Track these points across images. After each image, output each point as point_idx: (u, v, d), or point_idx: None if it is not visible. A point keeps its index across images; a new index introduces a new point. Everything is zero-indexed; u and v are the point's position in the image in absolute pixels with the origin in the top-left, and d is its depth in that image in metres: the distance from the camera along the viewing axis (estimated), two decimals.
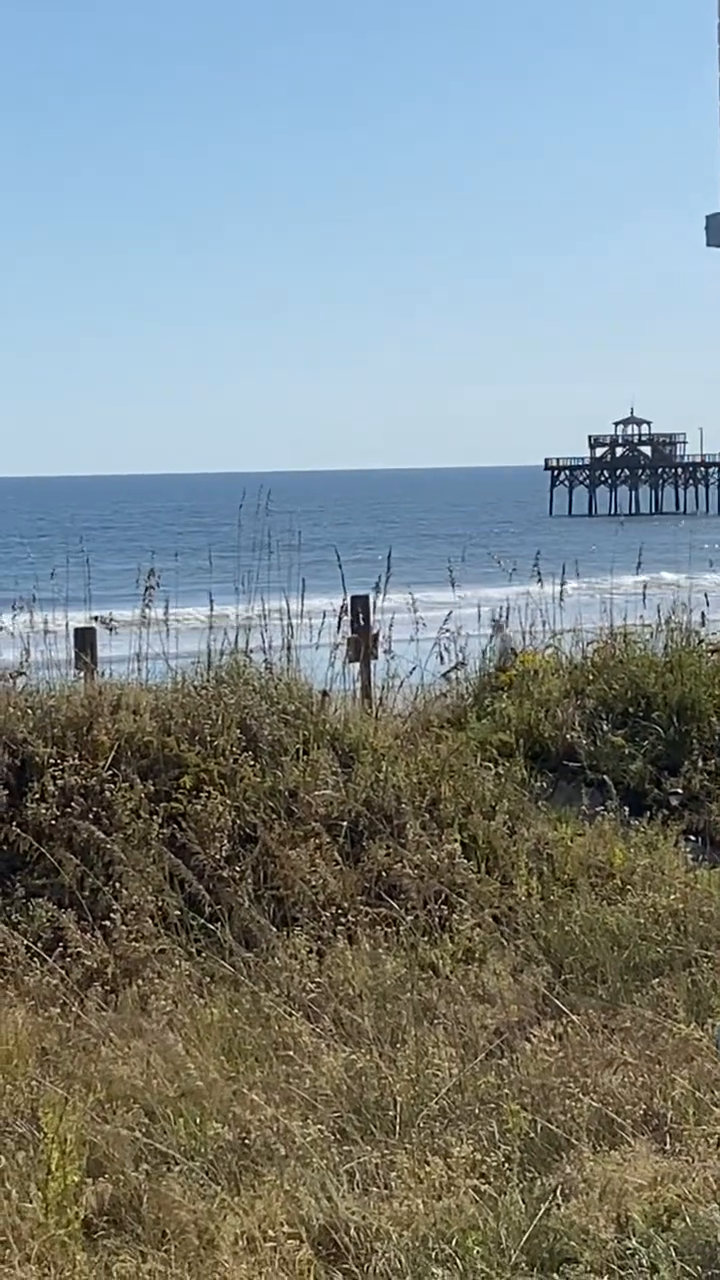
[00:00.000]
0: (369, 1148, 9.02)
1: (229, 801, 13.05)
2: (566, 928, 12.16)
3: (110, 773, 13.16)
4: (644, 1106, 9.54)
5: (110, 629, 16.11)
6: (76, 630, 16.23)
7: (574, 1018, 10.62)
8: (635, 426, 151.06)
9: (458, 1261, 7.81)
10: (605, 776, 15.00)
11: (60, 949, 11.75)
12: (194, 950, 11.93)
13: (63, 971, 11.47)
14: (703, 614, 18.16)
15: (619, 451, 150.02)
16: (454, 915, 12.42)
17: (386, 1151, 8.97)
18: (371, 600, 17.63)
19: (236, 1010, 10.94)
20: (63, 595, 16.47)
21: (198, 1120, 9.29)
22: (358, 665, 17.05)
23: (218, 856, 12.67)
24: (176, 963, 11.66)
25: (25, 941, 11.80)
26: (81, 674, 15.04)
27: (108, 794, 12.96)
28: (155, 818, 12.84)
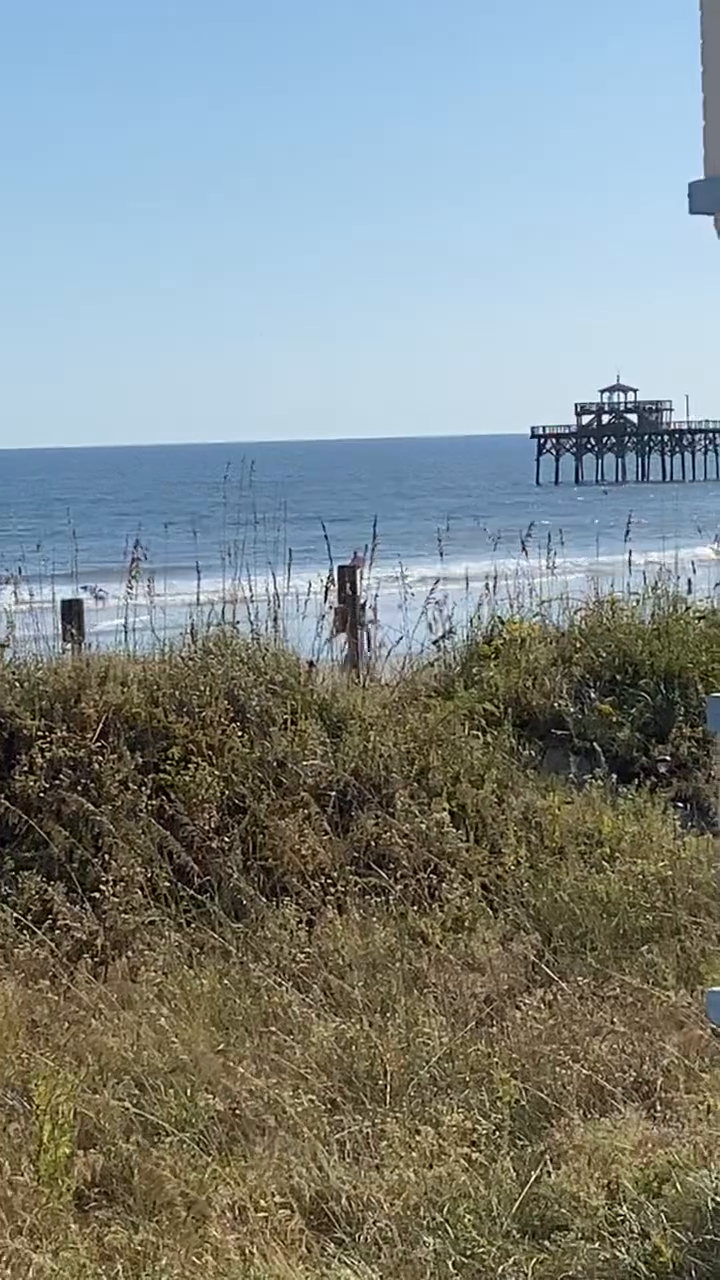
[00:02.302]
0: (359, 1117, 9.04)
1: (217, 772, 13.05)
2: (555, 895, 12.17)
3: (98, 744, 13.15)
4: (634, 1074, 9.56)
5: (98, 598, 16.12)
6: (64, 602, 16.25)
7: (563, 985, 10.64)
8: (621, 394, 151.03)
9: (449, 1229, 7.83)
10: (593, 744, 15.01)
11: (49, 921, 11.75)
12: (183, 921, 11.94)
13: (52, 944, 11.47)
14: (689, 581, 18.19)
15: (605, 419, 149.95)
16: (443, 884, 12.43)
17: (377, 1121, 8.98)
18: (358, 571, 17.63)
19: (226, 981, 10.94)
20: (49, 570, 16.47)
21: (188, 1091, 9.30)
22: (345, 635, 17.06)
23: (206, 827, 12.67)
24: (166, 934, 11.66)
25: (14, 914, 11.80)
26: (69, 646, 15.04)
27: (96, 766, 12.95)
28: (144, 789, 12.84)
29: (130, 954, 11.42)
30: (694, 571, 18.85)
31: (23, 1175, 8.37)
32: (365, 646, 17.05)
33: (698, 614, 17.43)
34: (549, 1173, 8.35)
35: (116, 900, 11.90)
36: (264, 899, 12.17)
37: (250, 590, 15.92)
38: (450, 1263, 7.60)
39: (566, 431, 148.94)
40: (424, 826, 12.92)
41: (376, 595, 17.51)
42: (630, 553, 19.84)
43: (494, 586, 18.00)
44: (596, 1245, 7.65)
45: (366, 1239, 7.86)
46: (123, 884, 12.04)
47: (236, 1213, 8.08)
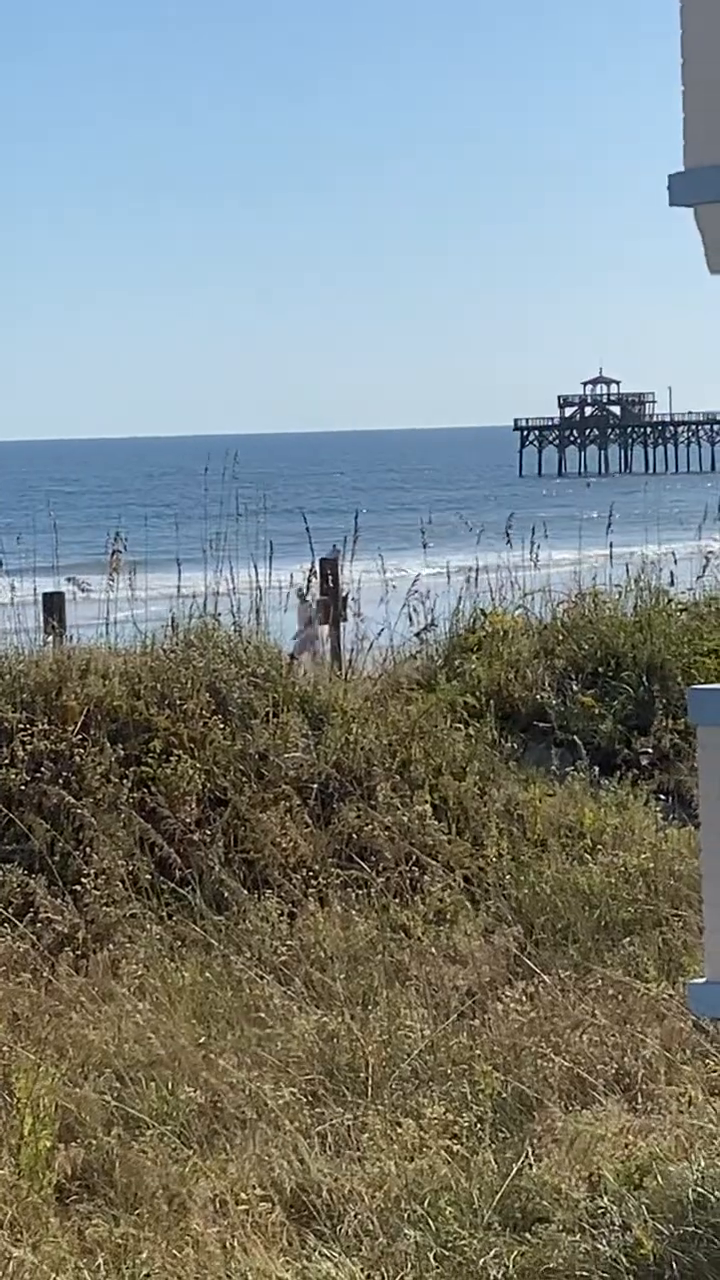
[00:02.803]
0: (341, 1110, 9.04)
1: (199, 765, 13.04)
2: (537, 888, 12.17)
3: (79, 737, 13.14)
4: (615, 1066, 9.56)
5: (81, 589, 16.10)
6: (45, 595, 16.23)
7: (545, 978, 10.64)
8: (604, 386, 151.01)
9: (430, 1222, 7.82)
10: (575, 737, 15.01)
11: (31, 914, 11.73)
12: (165, 914, 11.93)
13: (33, 937, 11.46)
14: (671, 573, 18.19)
15: (588, 411, 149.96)
16: (425, 876, 12.42)
17: (358, 1113, 8.98)
18: (339, 564, 17.63)
19: (208, 974, 10.93)
20: (30, 563, 16.46)
21: (169, 1085, 9.29)
22: (327, 628, 17.06)
23: (188, 820, 12.66)
24: (147, 927, 11.65)
25: None
26: (50, 639, 15.01)
27: (77, 759, 12.93)
28: (125, 782, 12.82)
29: (111, 947, 11.41)
30: (675, 563, 18.86)
31: (3, 1169, 8.36)
32: (345, 639, 17.05)
33: (680, 606, 17.44)
34: (530, 1165, 8.35)
35: (98, 893, 11.89)
36: (245, 892, 12.16)
37: (232, 583, 15.91)
38: (431, 1255, 7.60)
39: (549, 424, 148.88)
40: (406, 819, 12.92)
41: (359, 588, 17.50)
42: (612, 545, 19.85)
43: (476, 579, 18.00)
44: (577, 1237, 7.65)
45: (347, 1231, 7.86)
46: (104, 877, 12.03)
47: (217, 1206, 8.08)
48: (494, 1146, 8.62)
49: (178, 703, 13.54)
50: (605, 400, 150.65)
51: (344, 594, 17.47)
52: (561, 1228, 7.75)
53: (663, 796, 14.43)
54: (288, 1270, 7.54)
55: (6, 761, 12.89)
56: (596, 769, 14.55)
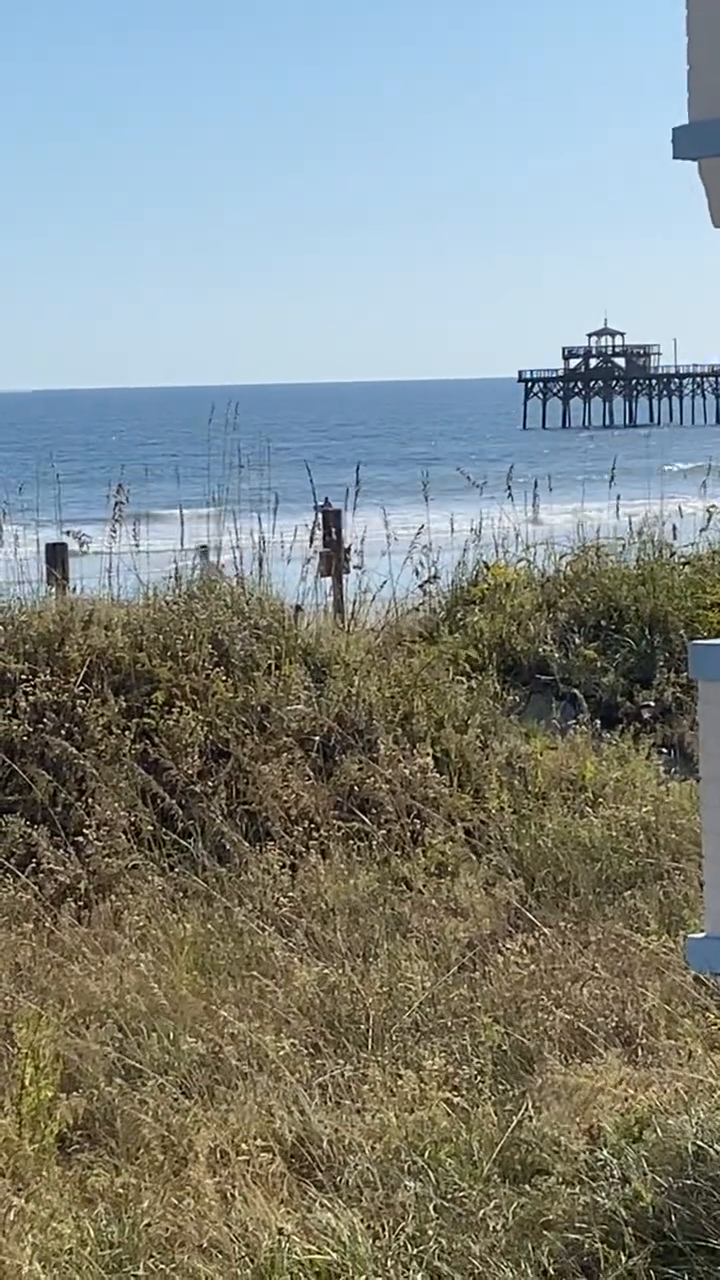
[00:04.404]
0: (341, 1061, 9.06)
1: (201, 717, 13.04)
2: (538, 841, 12.18)
3: (82, 688, 13.14)
4: (615, 1019, 9.58)
5: (81, 543, 16.09)
6: (48, 546, 16.22)
7: (546, 931, 10.65)
8: (609, 338, 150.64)
9: (430, 1173, 7.85)
10: (577, 690, 15.01)
11: (33, 865, 11.76)
12: (167, 866, 11.95)
13: (36, 887, 11.48)
14: (674, 527, 18.18)
15: (593, 363, 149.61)
16: (426, 829, 12.44)
17: (359, 1065, 9.00)
18: (343, 515, 17.61)
19: (209, 925, 10.96)
20: (33, 515, 16.44)
21: (170, 1035, 9.32)
22: (329, 579, 17.04)
23: (190, 772, 12.67)
24: (149, 878, 11.67)
25: None
26: (53, 590, 15.01)
27: (80, 710, 12.94)
28: (127, 733, 12.83)
29: (113, 898, 11.43)
30: (680, 516, 18.85)
31: (5, 1118, 8.40)
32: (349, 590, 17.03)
33: (682, 560, 17.43)
34: (530, 1117, 8.38)
35: (100, 844, 11.91)
36: (247, 844, 12.17)
37: (235, 534, 15.89)
38: (431, 1206, 7.62)
39: (554, 375, 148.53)
40: (407, 772, 12.93)
41: (363, 540, 17.48)
42: (619, 498, 19.82)
43: (480, 531, 17.99)
44: (577, 1190, 7.68)
45: (348, 1182, 7.89)
46: (106, 828, 12.04)
47: (218, 1156, 8.11)
48: (494, 1099, 8.64)
49: (180, 654, 13.54)
50: (610, 352, 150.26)
51: (347, 546, 17.44)
52: (561, 1180, 7.78)
53: (664, 750, 14.43)
54: (288, 1221, 7.56)
55: (9, 712, 12.90)
56: (598, 722, 14.54)
